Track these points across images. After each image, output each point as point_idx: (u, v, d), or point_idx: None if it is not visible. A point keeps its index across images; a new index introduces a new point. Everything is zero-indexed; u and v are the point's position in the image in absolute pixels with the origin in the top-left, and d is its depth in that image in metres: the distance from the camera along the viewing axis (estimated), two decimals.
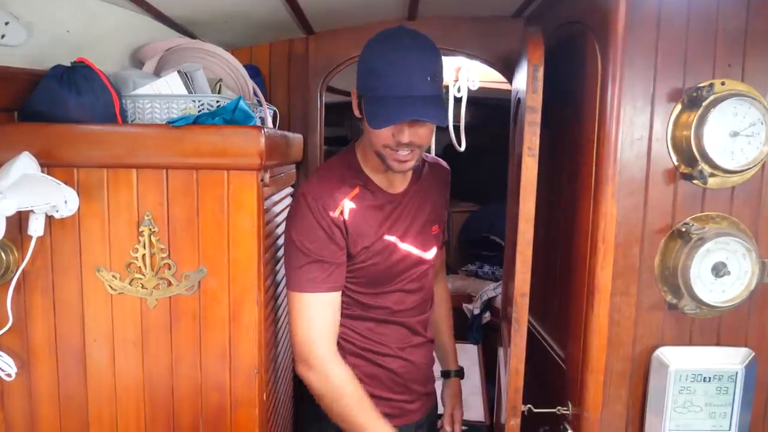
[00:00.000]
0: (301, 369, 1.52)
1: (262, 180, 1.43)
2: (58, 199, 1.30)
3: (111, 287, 1.41)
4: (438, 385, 1.94)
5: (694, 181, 1.43)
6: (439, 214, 1.76)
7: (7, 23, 1.31)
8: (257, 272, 1.42)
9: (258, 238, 1.41)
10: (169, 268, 1.41)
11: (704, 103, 1.37)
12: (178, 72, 1.51)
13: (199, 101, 1.49)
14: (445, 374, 2.01)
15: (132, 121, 1.49)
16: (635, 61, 1.40)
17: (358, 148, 1.61)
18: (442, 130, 3.34)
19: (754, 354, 1.48)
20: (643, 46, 1.40)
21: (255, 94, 1.82)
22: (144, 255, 1.40)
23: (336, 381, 1.50)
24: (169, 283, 1.41)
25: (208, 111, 1.47)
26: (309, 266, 1.48)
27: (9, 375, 1.40)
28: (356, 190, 1.54)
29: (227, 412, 1.46)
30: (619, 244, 1.44)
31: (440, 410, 1.94)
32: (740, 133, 1.37)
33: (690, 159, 1.41)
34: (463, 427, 2.00)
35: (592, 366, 1.44)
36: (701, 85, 1.39)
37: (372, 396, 1.62)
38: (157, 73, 1.67)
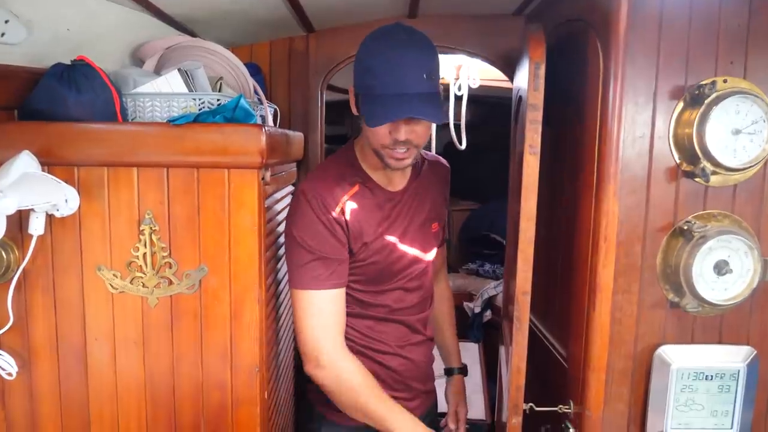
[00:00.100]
0: (310, 368, 1.51)
1: (263, 178, 1.43)
2: (59, 197, 1.30)
3: (112, 286, 1.41)
4: (440, 383, 1.94)
5: (696, 179, 1.42)
6: (438, 211, 1.76)
7: (7, 21, 1.30)
8: (258, 270, 1.42)
9: (259, 237, 1.41)
10: (170, 267, 1.41)
11: (706, 101, 1.36)
12: (179, 70, 1.51)
13: (199, 99, 1.49)
14: (448, 372, 2.01)
15: (132, 120, 1.49)
16: (637, 59, 1.40)
17: (357, 145, 1.61)
18: (442, 128, 3.33)
19: (756, 352, 1.47)
20: (645, 43, 1.40)
21: (255, 92, 1.82)
22: (145, 254, 1.40)
23: (348, 377, 1.50)
24: (170, 282, 1.41)
25: (208, 109, 1.46)
26: (312, 263, 1.48)
27: (10, 374, 1.40)
28: (356, 188, 1.54)
29: (228, 411, 1.46)
30: (620, 243, 1.43)
31: (441, 408, 1.94)
32: (742, 131, 1.37)
33: (692, 157, 1.40)
34: (465, 426, 1.99)
35: (594, 364, 1.44)
36: (703, 82, 1.38)
37: None
38: (158, 71, 1.66)
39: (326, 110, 2.38)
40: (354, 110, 1.52)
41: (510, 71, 2.17)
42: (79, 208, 1.36)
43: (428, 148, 2.81)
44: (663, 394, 1.47)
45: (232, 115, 1.42)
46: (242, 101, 1.43)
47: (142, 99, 1.48)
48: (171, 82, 1.49)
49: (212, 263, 1.41)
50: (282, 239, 1.69)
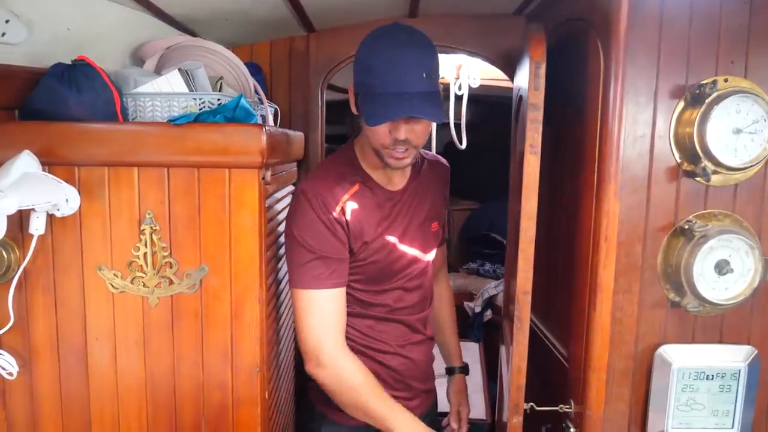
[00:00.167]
0: (310, 367, 1.52)
1: (263, 178, 1.43)
2: (60, 197, 1.30)
3: (112, 286, 1.41)
4: (441, 382, 1.94)
5: (697, 179, 1.42)
6: (438, 211, 1.76)
7: (7, 21, 1.30)
8: (259, 270, 1.42)
9: (259, 236, 1.41)
10: (171, 267, 1.40)
11: (707, 100, 1.36)
12: (179, 70, 1.51)
13: (200, 99, 1.49)
14: (450, 371, 2.01)
15: (133, 120, 1.48)
16: (638, 58, 1.40)
17: (356, 145, 1.61)
18: (443, 128, 3.33)
19: (756, 352, 1.47)
20: (646, 42, 1.40)
21: (256, 92, 1.81)
22: (145, 253, 1.40)
23: (349, 376, 1.50)
24: (171, 282, 1.41)
25: (209, 109, 1.46)
26: (313, 263, 1.48)
27: (10, 374, 1.40)
28: (356, 187, 1.54)
29: (229, 411, 1.46)
30: (621, 242, 1.43)
31: (441, 408, 1.94)
32: (743, 131, 1.37)
33: (693, 156, 1.40)
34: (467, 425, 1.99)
35: (595, 364, 1.44)
36: (704, 82, 1.38)
37: None
38: (158, 71, 1.66)
39: (327, 110, 2.38)
40: (354, 109, 1.52)
41: (510, 71, 2.17)
42: (80, 207, 1.36)
43: (428, 147, 2.82)
44: (664, 394, 1.47)
45: (232, 114, 1.42)
46: (243, 101, 1.43)
47: (142, 99, 1.48)
48: (171, 81, 1.49)
49: (213, 263, 1.41)
50: (282, 239, 1.69)
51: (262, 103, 1.82)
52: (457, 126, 3.00)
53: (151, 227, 1.39)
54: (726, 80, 1.39)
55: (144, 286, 1.41)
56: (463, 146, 3.03)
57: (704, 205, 1.45)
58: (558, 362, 1.68)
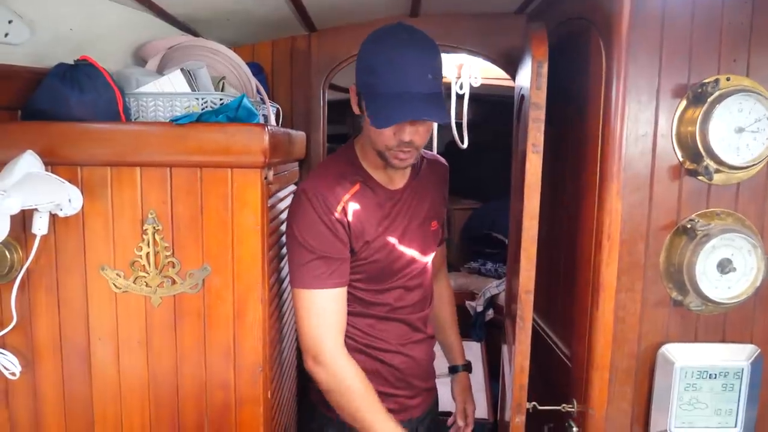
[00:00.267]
0: (309, 364, 1.53)
1: (265, 178, 1.43)
2: (62, 197, 1.30)
3: (115, 285, 1.41)
4: (444, 381, 1.94)
5: (699, 178, 1.42)
6: (437, 210, 1.76)
7: (10, 21, 1.31)
8: (261, 270, 1.42)
9: (262, 236, 1.41)
10: (173, 267, 1.41)
11: (709, 99, 1.36)
12: (181, 70, 1.51)
13: (202, 99, 1.49)
14: (453, 369, 2.01)
15: (135, 119, 1.48)
16: (639, 57, 1.39)
17: (357, 144, 1.61)
18: (444, 127, 3.33)
19: (759, 350, 1.47)
20: (648, 41, 1.40)
21: (258, 91, 1.81)
22: (148, 253, 1.40)
23: (344, 377, 1.50)
24: (174, 282, 1.41)
25: (211, 109, 1.46)
26: (313, 263, 1.48)
27: (13, 374, 1.40)
28: (356, 187, 1.54)
29: (232, 410, 1.46)
30: (623, 241, 1.43)
31: (442, 407, 1.94)
32: (745, 129, 1.37)
33: (695, 155, 1.40)
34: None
35: (597, 363, 1.44)
36: (706, 80, 1.38)
37: None
38: (160, 71, 1.66)
39: (328, 109, 2.38)
40: (355, 110, 1.52)
41: (512, 70, 2.17)
42: (83, 207, 1.36)
43: (429, 147, 2.82)
44: (666, 393, 1.47)
45: (234, 114, 1.42)
46: (245, 101, 1.43)
47: (144, 99, 1.48)
48: (174, 81, 1.49)
49: (215, 263, 1.41)
50: (285, 238, 1.69)
51: (264, 102, 1.82)
52: (459, 125, 3.00)
53: (154, 227, 1.39)
54: (728, 79, 1.39)
55: (147, 285, 1.41)
56: (465, 146, 3.03)
57: (706, 203, 1.45)
58: (560, 361, 1.68)
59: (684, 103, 1.41)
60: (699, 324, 1.49)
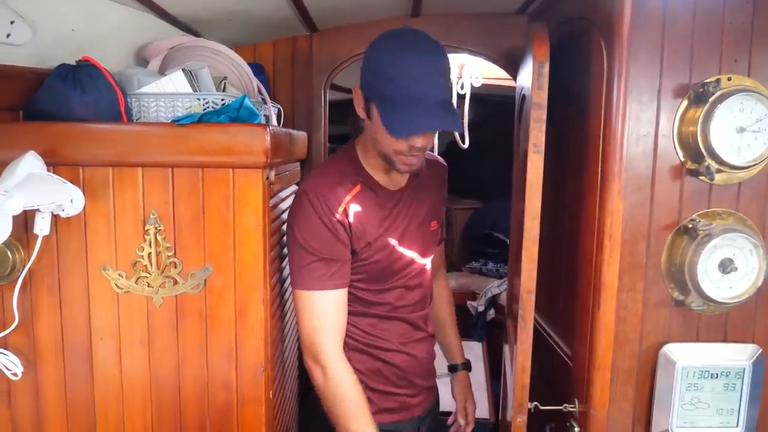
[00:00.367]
0: (308, 362, 1.54)
1: (267, 178, 1.43)
2: (64, 198, 1.30)
3: (117, 286, 1.41)
4: (445, 381, 1.94)
5: (701, 177, 1.42)
6: (437, 210, 1.77)
7: (12, 22, 1.31)
8: (263, 270, 1.42)
9: (263, 236, 1.41)
10: (175, 267, 1.41)
11: (710, 99, 1.36)
12: (183, 70, 1.51)
13: (204, 99, 1.49)
14: (453, 368, 2.01)
15: (137, 120, 1.49)
16: (641, 57, 1.40)
17: (358, 144, 1.61)
18: None
19: (761, 350, 1.47)
20: (649, 41, 1.40)
21: (259, 92, 1.82)
22: (150, 253, 1.40)
23: (339, 382, 1.51)
24: (175, 282, 1.41)
25: (213, 109, 1.47)
26: (314, 264, 1.48)
27: (15, 374, 1.40)
28: (358, 188, 1.54)
29: (234, 411, 1.46)
30: (625, 241, 1.43)
31: (442, 408, 1.94)
32: (747, 129, 1.37)
33: (696, 155, 1.40)
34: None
35: (599, 363, 1.44)
36: (707, 80, 1.38)
37: (375, 391, 1.64)
38: (162, 71, 1.67)
39: (329, 109, 2.38)
40: (360, 113, 1.50)
41: (513, 70, 2.17)
42: (84, 208, 1.36)
43: (431, 147, 2.81)
44: (668, 393, 1.47)
45: (236, 114, 1.42)
46: (246, 101, 1.43)
47: (146, 99, 1.48)
48: (175, 82, 1.49)
49: (217, 263, 1.41)
50: (286, 238, 1.69)
51: (265, 103, 1.83)
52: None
53: (156, 227, 1.39)
54: (729, 79, 1.39)
55: (148, 286, 1.42)
56: (466, 146, 3.03)
57: (708, 203, 1.45)
58: (562, 361, 1.68)
59: (685, 103, 1.41)
60: (700, 324, 1.49)
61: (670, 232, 1.45)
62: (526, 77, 1.65)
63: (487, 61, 2.32)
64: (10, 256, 1.38)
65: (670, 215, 1.45)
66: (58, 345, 1.44)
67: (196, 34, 1.98)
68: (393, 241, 1.59)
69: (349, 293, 1.58)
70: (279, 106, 2.08)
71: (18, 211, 1.20)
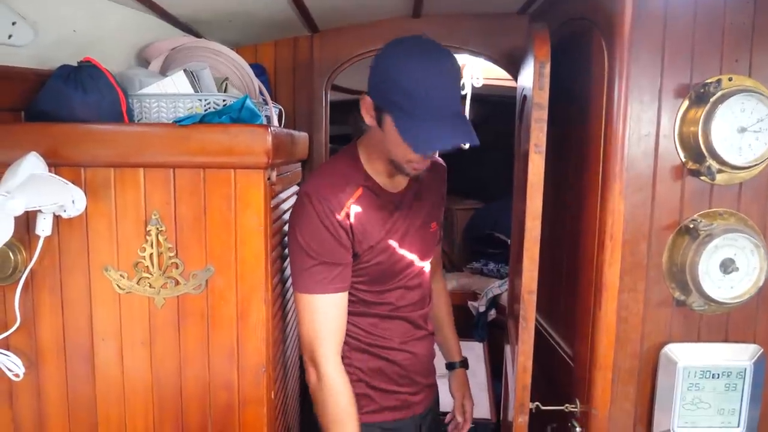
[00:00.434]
0: (306, 360, 1.55)
1: (268, 178, 1.43)
2: (66, 198, 1.30)
3: (119, 286, 1.42)
4: (443, 381, 1.95)
5: (702, 178, 1.42)
6: (437, 211, 1.78)
7: (14, 23, 1.31)
8: (264, 271, 1.42)
9: (265, 237, 1.41)
10: (177, 267, 1.41)
11: (711, 99, 1.36)
12: (184, 71, 1.51)
13: (205, 100, 1.49)
14: (450, 366, 2.02)
15: (138, 121, 1.49)
16: (642, 57, 1.40)
17: (360, 146, 1.60)
18: None
19: (762, 350, 1.47)
20: (650, 41, 1.40)
21: (260, 92, 1.82)
22: (151, 254, 1.40)
23: (331, 386, 1.51)
24: (177, 282, 1.41)
25: (214, 110, 1.47)
26: (316, 268, 1.48)
27: (17, 375, 1.40)
28: (360, 191, 1.54)
29: (235, 411, 1.46)
30: (626, 241, 1.43)
31: (442, 408, 1.94)
32: (748, 129, 1.37)
33: (697, 155, 1.40)
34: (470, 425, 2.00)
35: (600, 363, 1.44)
36: (708, 81, 1.38)
37: (377, 389, 1.65)
38: (163, 72, 1.67)
39: (330, 110, 2.38)
40: (369, 121, 1.48)
41: (514, 70, 2.17)
42: (86, 208, 1.36)
43: None
44: (669, 393, 1.47)
45: (237, 115, 1.42)
46: (248, 102, 1.43)
47: (148, 100, 1.48)
48: (177, 82, 1.49)
49: (219, 263, 1.41)
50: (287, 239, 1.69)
51: (266, 103, 1.83)
52: None
53: (157, 228, 1.40)
54: (730, 79, 1.39)
55: (150, 286, 1.42)
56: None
57: (709, 203, 1.45)
58: (563, 361, 1.68)
59: (686, 103, 1.41)
60: (702, 324, 1.49)
61: (672, 232, 1.45)
62: (527, 77, 1.65)
63: (488, 62, 2.32)
64: (12, 257, 1.38)
65: (671, 215, 1.45)
66: (60, 346, 1.44)
67: (198, 35, 1.98)
68: (394, 243, 1.59)
69: (351, 294, 1.58)
70: (280, 106, 2.08)
71: (20, 212, 1.20)
